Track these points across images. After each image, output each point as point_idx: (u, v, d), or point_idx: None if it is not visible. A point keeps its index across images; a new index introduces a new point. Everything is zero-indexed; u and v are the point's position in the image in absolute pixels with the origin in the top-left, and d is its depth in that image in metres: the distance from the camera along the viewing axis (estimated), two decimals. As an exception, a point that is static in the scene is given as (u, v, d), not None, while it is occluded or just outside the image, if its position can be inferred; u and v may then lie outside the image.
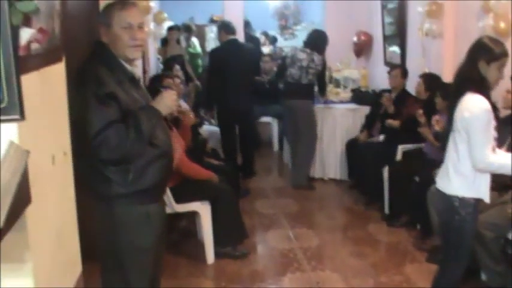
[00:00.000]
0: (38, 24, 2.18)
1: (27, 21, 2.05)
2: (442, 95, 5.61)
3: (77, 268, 3.11)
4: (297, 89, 7.22)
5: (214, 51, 7.80)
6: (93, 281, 3.33)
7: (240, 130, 7.55)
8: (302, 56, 7.19)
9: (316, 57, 7.17)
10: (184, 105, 6.24)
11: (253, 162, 7.85)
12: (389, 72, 6.83)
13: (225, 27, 7.39)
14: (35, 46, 2.21)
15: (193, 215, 5.36)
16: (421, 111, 5.75)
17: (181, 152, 4.88)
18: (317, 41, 7.31)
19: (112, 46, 2.89)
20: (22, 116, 2.06)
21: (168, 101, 2.97)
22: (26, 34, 2.03)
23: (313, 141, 7.32)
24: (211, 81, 7.56)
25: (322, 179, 7.65)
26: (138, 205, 2.95)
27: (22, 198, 2.08)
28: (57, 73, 2.79)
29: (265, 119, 9.04)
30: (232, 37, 7.34)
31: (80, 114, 2.74)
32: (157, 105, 2.93)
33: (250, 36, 10.34)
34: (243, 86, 7.27)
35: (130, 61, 3.00)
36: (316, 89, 7.49)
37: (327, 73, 7.96)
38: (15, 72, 2.00)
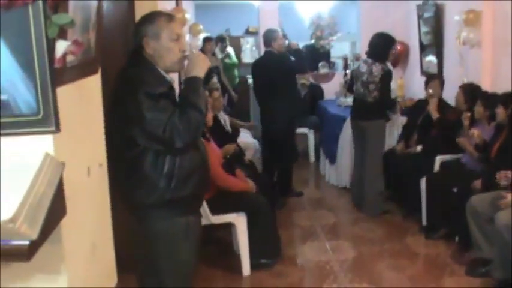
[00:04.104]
0: (74, 37, 2.19)
1: (62, 34, 2.06)
2: (483, 104, 5.53)
3: (112, 280, 3.12)
4: (363, 107, 6.55)
5: (252, 66, 7.54)
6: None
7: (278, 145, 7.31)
8: (363, 68, 6.47)
9: (375, 68, 6.35)
10: (225, 117, 6.25)
11: (290, 180, 7.46)
12: (426, 83, 6.73)
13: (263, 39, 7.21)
14: (70, 58, 2.22)
15: (229, 227, 5.35)
16: (468, 114, 5.68)
17: (218, 165, 4.88)
18: (376, 48, 6.47)
19: (158, 57, 2.90)
20: (57, 128, 2.07)
21: (199, 61, 2.96)
22: (61, 46, 2.04)
23: (379, 161, 6.65)
24: (256, 96, 7.41)
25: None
26: (178, 216, 2.96)
27: (57, 210, 2.08)
28: (92, 85, 2.80)
29: (301, 130, 8.97)
30: (267, 49, 7.08)
31: (134, 121, 2.75)
32: (193, 72, 2.92)
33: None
34: (278, 99, 6.85)
35: (171, 72, 3.04)
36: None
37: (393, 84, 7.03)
38: (50, 84, 2.02)
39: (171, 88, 2.98)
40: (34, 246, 1.89)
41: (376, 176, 6.60)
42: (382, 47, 6.46)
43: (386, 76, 6.41)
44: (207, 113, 2.93)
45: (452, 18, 6.83)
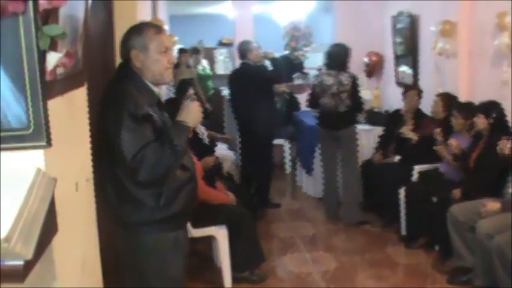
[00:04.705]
0: (63, 48, 2.13)
1: (53, 46, 2.01)
2: (463, 115, 5.53)
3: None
4: (337, 119, 6.58)
5: (229, 78, 7.50)
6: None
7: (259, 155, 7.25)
8: (329, 81, 6.50)
9: (343, 77, 6.46)
10: (202, 129, 6.20)
11: (268, 191, 7.40)
12: (404, 93, 6.76)
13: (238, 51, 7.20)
14: (60, 70, 2.16)
15: (209, 240, 5.29)
16: (439, 130, 5.71)
17: (199, 177, 4.82)
18: (337, 58, 6.57)
19: (146, 69, 2.85)
20: (49, 143, 2.00)
21: (195, 112, 2.91)
22: (53, 58, 1.98)
23: (357, 167, 6.82)
24: (232, 108, 7.43)
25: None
26: (168, 232, 2.91)
27: (50, 227, 2.02)
28: (79, 98, 2.73)
29: (277, 141, 8.94)
30: (243, 61, 7.07)
31: (111, 136, 2.70)
32: (185, 119, 2.87)
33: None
34: (256, 110, 6.83)
35: (160, 84, 3.01)
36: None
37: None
38: (41, 97, 1.95)
39: (159, 102, 2.93)
40: (29, 266, 1.81)
41: (355, 183, 6.67)
42: (342, 56, 6.60)
43: (356, 81, 6.60)
44: (180, 163, 2.87)
45: (428, 29, 6.88)
